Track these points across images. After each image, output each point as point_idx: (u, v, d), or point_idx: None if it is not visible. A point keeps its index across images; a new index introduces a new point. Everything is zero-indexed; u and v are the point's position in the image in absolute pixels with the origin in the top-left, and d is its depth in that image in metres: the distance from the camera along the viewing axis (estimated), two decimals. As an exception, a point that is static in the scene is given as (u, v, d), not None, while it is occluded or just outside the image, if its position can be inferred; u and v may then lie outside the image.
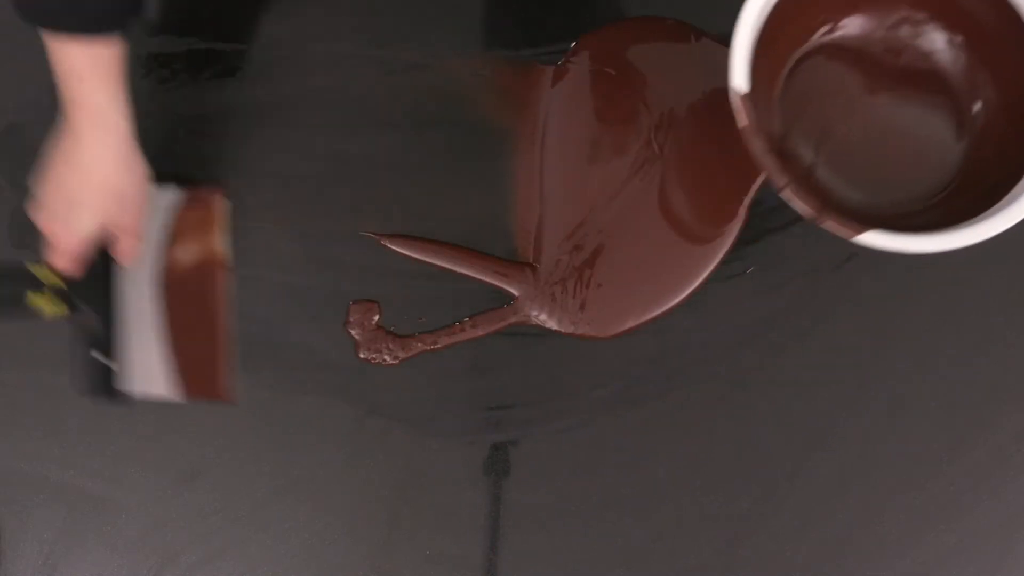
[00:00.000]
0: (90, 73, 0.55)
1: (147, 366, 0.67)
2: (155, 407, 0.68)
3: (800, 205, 0.58)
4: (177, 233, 0.67)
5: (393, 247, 0.68)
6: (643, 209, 0.68)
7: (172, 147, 0.69)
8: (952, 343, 0.69)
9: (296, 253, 0.69)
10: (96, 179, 0.58)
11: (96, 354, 0.64)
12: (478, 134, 0.69)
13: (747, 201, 0.67)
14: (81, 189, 0.58)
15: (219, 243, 0.68)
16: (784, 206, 0.69)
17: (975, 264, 0.69)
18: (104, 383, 0.65)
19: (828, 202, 0.59)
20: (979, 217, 0.59)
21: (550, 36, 0.70)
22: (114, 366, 0.65)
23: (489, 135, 0.70)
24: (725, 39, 0.68)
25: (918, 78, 0.65)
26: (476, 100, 0.70)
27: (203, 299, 0.68)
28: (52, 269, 0.61)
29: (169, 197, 0.67)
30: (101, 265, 0.63)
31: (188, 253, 0.68)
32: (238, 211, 0.69)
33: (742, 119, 0.57)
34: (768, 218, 0.69)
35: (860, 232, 0.58)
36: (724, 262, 0.68)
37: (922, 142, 0.65)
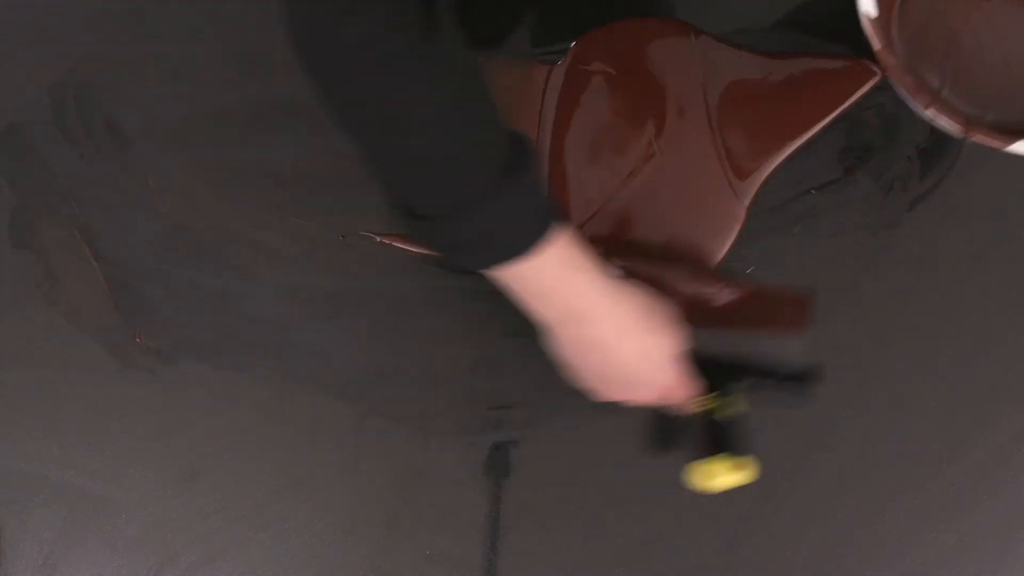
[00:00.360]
0: (568, 266, 0.53)
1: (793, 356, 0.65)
2: (155, 407, 0.68)
3: (947, 122, 0.58)
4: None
5: (393, 243, 0.68)
6: (643, 210, 0.68)
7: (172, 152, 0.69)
8: (952, 343, 0.69)
9: (297, 253, 0.69)
10: (640, 337, 0.56)
11: (780, 384, 0.63)
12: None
13: (747, 201, 0.67)
14: (643, 354, 0.57)
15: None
16: (784, 206, 0.69)
17: (975, 264, 0.69)
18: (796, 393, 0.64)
19: (973, 117, 0.59)
20: None
21: (550, 36, 0.70)
22: (798, 385, 0.63)
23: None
24: (724, 38, 0.69)
25: None
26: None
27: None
28: (694, 405, 0.61)
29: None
30: (696, 359, 0.62)
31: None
32: (238, 212, 0.69)
33: (876, 42, 0.58)
34: (768, 218, 0.69)
35: (1012, 142, 0.57)
36: (724, 262, 0.68)
37: None
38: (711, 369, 0.62)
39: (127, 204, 0.69)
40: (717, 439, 0.60)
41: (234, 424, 0.68)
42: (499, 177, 0.48)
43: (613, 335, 0.55)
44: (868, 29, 0.58)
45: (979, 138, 0.57)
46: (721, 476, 0.59)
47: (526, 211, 0.50)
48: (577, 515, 0.68)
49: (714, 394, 0.62)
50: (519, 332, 0.69)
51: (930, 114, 0.57)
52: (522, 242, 0.50)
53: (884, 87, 0.67)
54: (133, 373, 0.69)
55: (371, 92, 0.45)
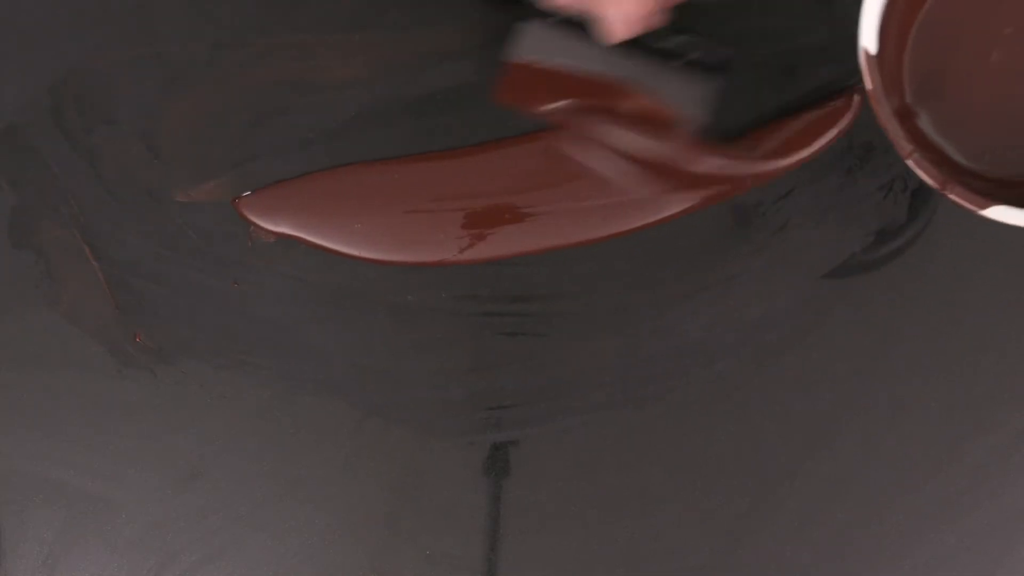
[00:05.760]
0: None
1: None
2: (155, 407, 0.68)
3: (924, 175, 0.57)
4: None
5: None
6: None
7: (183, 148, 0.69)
8: (952, 343, 0.69)
9: (296, 253, 0.69)
10: None
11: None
12: (479, 135, 0.69)
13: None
14: None
15: None
16: (783, 207, 0.69)
17: (975, 264, 0.69)
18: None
19: (954, 172, 0.58)
20: None
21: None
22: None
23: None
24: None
25: None
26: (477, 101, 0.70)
27: None
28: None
29: None
30: None
31: None
32: (238, 212, 0.69)
33: (868, 81, 0.57)
34: (768, 218, 0.69)
35: (987, 206, 0.56)
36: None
37: None
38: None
39: (127, 204, 0.69)
40: None
41: (234, 424, 0.68)
42: None
43: None
44: (864, 67, 0.56)
45: (956, 195, 0.56)
46: None
47: None
48: (577, 515, 0.68)
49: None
50: (519, 332, 0.69)
51: (909, 164, 0.57)
52: None
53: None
54: (133, 373, 0.69)
55: None
